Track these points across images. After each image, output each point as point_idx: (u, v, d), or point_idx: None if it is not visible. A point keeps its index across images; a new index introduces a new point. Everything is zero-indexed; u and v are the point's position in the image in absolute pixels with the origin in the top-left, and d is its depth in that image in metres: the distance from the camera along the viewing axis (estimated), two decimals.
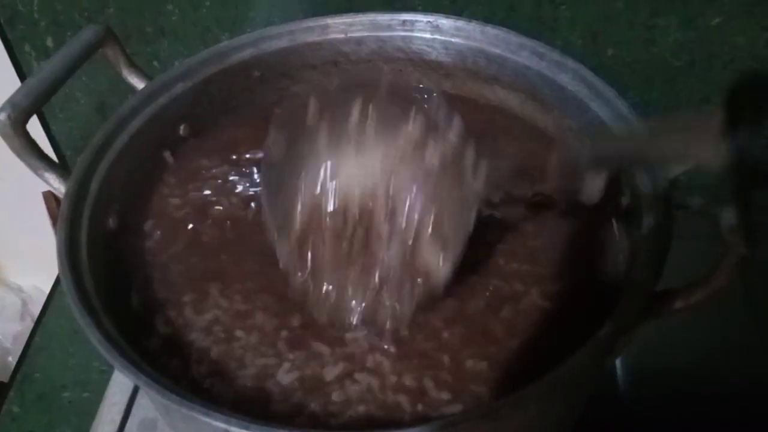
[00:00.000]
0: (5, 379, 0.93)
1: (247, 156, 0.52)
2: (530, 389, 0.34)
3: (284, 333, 0.41)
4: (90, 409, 0.61)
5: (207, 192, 0.50)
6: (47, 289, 0.76)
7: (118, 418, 0.54)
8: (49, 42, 0.71)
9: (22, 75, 0.73)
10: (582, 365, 0.34)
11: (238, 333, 0.41)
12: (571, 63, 0.49)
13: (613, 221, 0.45)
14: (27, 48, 0.71)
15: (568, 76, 0.49)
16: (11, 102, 0.41)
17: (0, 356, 0.95)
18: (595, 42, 0.65)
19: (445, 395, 0.38)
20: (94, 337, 0.35)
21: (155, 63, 0.71)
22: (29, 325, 0.95)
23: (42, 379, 0.68)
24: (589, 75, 0.48)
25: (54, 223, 0.89)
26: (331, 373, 0.39)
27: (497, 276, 0.44)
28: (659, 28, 0.63)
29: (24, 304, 0.98)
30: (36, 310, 0.96)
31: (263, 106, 0.54)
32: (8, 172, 0.82)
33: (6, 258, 0.98)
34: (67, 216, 0.41)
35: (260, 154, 0.51)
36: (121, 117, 0.47)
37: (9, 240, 0.94)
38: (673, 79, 0.66)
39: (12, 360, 0.95)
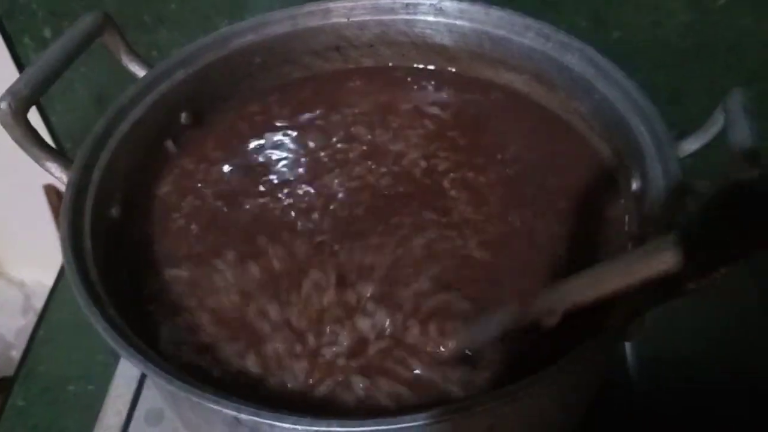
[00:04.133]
0: (9, 372, 0.93)
1: (249, 143, 0.51)
2: (543, 374, 0.33)
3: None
4: (94, 402, 0.60)
5: (209, 179, 0.49)
6: (50, 283, 0.75)
7: (124, 410, 0.54)
8: (47, 33, 0.70)
9: (21, 67, 0.73)
10: (596, 348, 0.34)
11: (247, 318, 0.40)
12: (576, 44, 0.48)
13: (622, 205, 0.45)
14: (26, 40, 0.71)
15: (575, 57, 0.48)
16: (11, 91, 0.40)
17: (3, 350, 0.95)
18: (600, 24, 0.64)
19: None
20: (100, 326, 0.35)
21: (154, 52, 0.70)
22: (32, 319, 0.95)
23: (46, 372, 0.67)
24: (595, 55, 0.48)
25: (56, 217, 0.89)
26: None
27: (501, 263, 0.43)
28: (665, 9, 0.63)
29: (27, 298, 0.98)
30: (39, 304, 0.95)
31: (265, 92, 0.54)
32: (8, 165, 0.82)
33: (8, 252, 0.98)
34: (70, 206, 0.40)
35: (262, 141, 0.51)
36: (122, 105, 0.46)
37: (10, 234, 0.94)
38: (680, 61, 0.66)
39: (15, 354, 0.95)
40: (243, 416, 0.32)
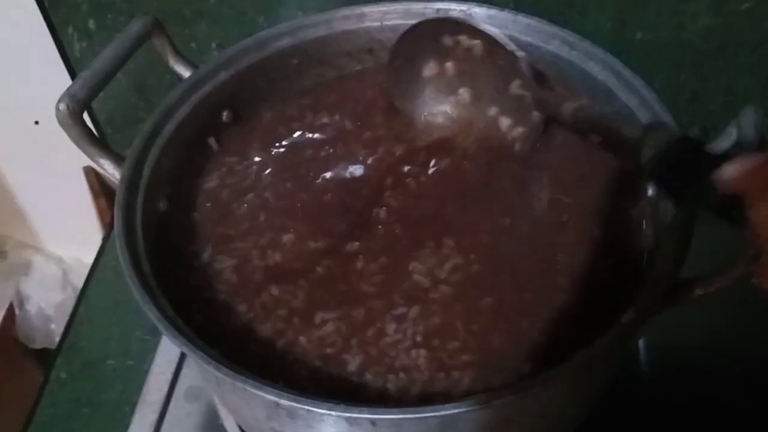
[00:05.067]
0: (49, 344, 0.98)
1: (285, 139, 0.54)
2: (553, 373, 0.36)
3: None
4: (133, 376, 0.64)
5: (248, 173, 0.52)
6: (86, 260, 0.79)
7: (165, 387, 0.57)
8: (91, 24, 0.73)
9: (65, 56, 0.76)
10: (605, 350, 0.37)
11: (283, 313, 0.44)
12: (600, 53, 0.50)
13: (640, 209, 0.47)
14: (70, 30, 0.73)
15: (598, 65, 0.50)
16: (69, 93, 0.44)
17: (44, 323, 1.00)
18: (623, 26, 0.66)
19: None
20: (153, 316, 0.38)
21: (192, 44, 0.73)
22: (70, 294, 1.00)
23: (87, 347, 0.70)
24: (617, 64, 0.50)
25: (94, 197, 0.93)
26: None
27: (520, 258, 0.46)
28: (688, 13, 0.64)
29: (65, 273, 1.02)
30: (76, 279, 1.00)
31: (301, 91, 0.56)
32: (50, 148, 0.86)
33: (48, 230, 1.02)
34: (123, 202, 0.44)
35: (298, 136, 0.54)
36: (169, 106, 0.49)
37: (51, 213, 0.98)
38: (702, 63, 0.67)
39: (55, 327, 0.99)
40: (283, 401, 0.35)
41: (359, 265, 0.45)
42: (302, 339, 0.42)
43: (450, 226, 0.48)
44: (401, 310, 0.43)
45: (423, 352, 0.41)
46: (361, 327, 0.43)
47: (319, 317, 0.43)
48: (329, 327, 0.43)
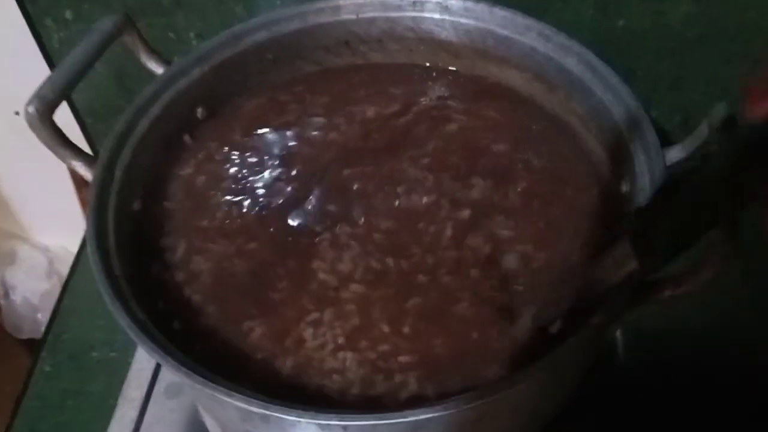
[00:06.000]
0: (36, 334, 0.98)
1: (261, 132, 0.54)
2: (522, 375, 0.36)
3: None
4: (117, 368, 0.64)
5: (224, 169, 0.52)
6: (72, 248, 0.79)
7: (145, 383, 0.57)
8: (68, 15, 0.72)
9: (43, 47, 0.75)
10: (574, 351, 0.37)
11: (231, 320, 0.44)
12: (576, 47, 0.50)
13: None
14: (48, 21, 0.73)
15: (574, 59, 0.50)
16: (38, 95, 0.43)
17: (30, 313, 1.00)
18: (605, 13, 0.66)
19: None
20: (124, 323, 0.38)
21: (171, 34, 0.72)
22: (56, 283, 1.00)
23: (71, 339, 0.70)
24: (592, 58, 0.49)
25: (77, 187, 0.92)
26: None
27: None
28: (669, 0, 0.64)
29: (50, 263, 1.02)
30: (62, 268, 1.00)
31: (277, 85, 0.56)
32: (33, 137, 0.85)
33: (33, 220, 1.02)
34: (94, 204, 0.43)
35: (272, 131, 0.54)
36: (141, 104, 0.49)
37: (36, 202, 0.98)
38: (683, 51, 0.67)
39: (41, 316, 0.99)
40: (253, 408, 0.35)
41: (270, 273, 0.45)
42: (242, 345, 0.43)
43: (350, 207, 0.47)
44: (314, 315, 0.43)
45: (350, 354, 0.41)
46: (279, 336, 0.42)
47: (246, 326, 0.43)
48: (255, 335, 0.43)
